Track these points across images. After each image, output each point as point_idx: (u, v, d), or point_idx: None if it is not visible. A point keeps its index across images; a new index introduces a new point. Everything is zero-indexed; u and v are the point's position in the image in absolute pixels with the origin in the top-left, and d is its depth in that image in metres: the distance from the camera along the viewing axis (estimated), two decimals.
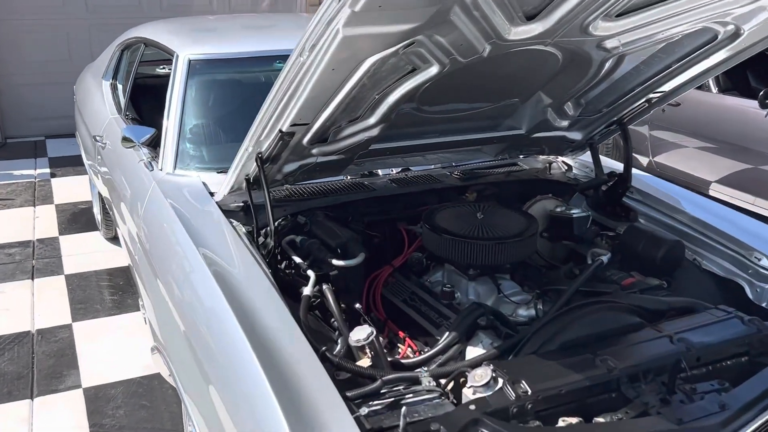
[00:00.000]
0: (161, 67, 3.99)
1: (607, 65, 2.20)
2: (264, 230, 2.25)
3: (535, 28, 1.81)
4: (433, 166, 2.86)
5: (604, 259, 2.35)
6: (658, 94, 2.45)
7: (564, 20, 1.79)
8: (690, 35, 2.07)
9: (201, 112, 2.89)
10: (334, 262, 2.17)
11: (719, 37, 2.07)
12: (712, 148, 4.73)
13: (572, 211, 2.57)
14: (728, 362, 1.90)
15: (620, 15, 1.86)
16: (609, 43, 2.02)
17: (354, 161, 2.44)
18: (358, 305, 2.16)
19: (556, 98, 2.43)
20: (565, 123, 2.61)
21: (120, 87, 3.88)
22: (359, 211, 2.54)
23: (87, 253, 4.30)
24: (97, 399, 2.94)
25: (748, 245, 2.36)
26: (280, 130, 1.99)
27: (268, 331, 1.74)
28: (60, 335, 3.42)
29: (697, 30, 2.03)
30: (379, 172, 2.77)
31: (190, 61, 2.90)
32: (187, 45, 3.01)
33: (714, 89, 4.82)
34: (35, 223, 4.74)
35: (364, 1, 1.34)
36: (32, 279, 3.95)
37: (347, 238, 2.25)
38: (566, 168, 3.04)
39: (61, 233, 4.59)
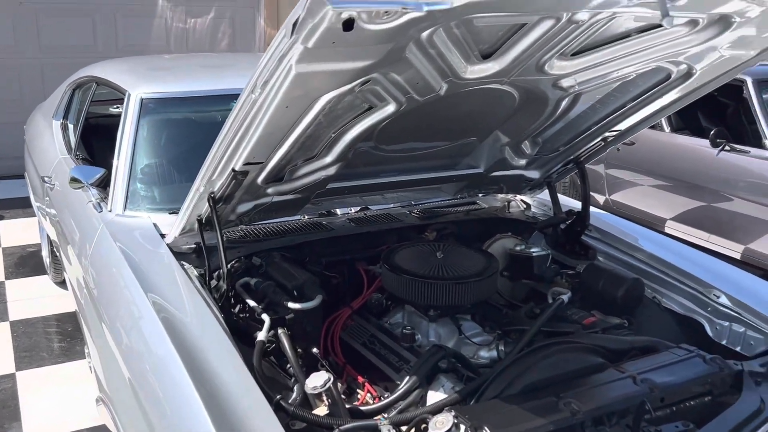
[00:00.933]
0: (114, 106, 3.91)
1: (564, 104, 2.20)
2: (216, 273, 2.17)
3: (492, 66, 1.80)
4: (392, 205, 2.82)
5: (565, 298, 2.31)
6: (614, 133, 2.46)
7: (519, 59, 1.78)
8: (644, 74, 2.08)
9: (153, 151, 2.81)
10: (290, 305, 2.09)
11: (672, 76, 2.10)
12: (667, 186, 4.80)
13: (532, 250, 2.55)
14: (692, 402, 1.87)
15: (575, 54, 1.87)
16: (565, 82, 2.02)
17: (311, 200, 2.39)
18: (315, 350, 2.09)
19: (514, 137, 2.42)
20: (522, 162, 2.61)
21: (71, 126, 3.78)
22: (317, 251, 2.47)
23: (34, 298, 4.13)
24: None
25: (706, 282, 2.36)
26: (233, 169, 1.93)
27: (220, 380, 1.66)
28: (2, 386, 3.25)
29: (651, 69, 2.05)
30: (338, 211, 2.72)
31: (142, 99, 2.83)
32: (139, 84, 2.94)
33: (667, 129, 4.92)
34: None
35: (316, 37, 1.30)
36: None
37: (304, 280, 2.19)
38: (525, 206, 3.03)
39: (7, 278, 4.41)
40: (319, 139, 1.96)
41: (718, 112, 5.08)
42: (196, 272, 2.19)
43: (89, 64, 3.96)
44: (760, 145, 4.27)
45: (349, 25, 1.27)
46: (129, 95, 2.86)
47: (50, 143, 3.76)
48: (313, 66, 1.43)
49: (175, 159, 2.84)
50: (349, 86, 1.60)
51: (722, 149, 4.38)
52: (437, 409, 1.71)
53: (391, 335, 2.18)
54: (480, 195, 2.96)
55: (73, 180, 2.74)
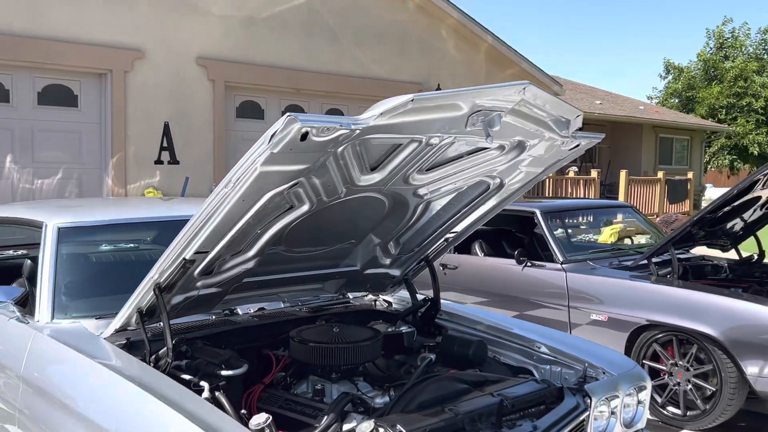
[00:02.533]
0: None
1: (419, 209, 3.02)
2: (160, 352, 2.61)
3: (375, 177, 2.57)
4: (282, 305, 3.42)
5: (432, 357, 3.03)
6: (453, 234, 3.32)
7: (393, 171, 2.58)
8: (472, 186, 2.97)
9: (71, 269, 3.21)
10: (224, 373, 2.59)
11: (490, 187, 3.01)
12: (486, 300, 5.78)
13: (401, 329, 3.26)
14: (532, 409, 2.60)
15: (429, 169, 2.71)
16: (421, 191, 2.85)
17: (227, 295, 2.93)
18: (243, 411, 2.57)
19: (383, 238, 3.18)
20: (388, 261, 3.36)
21: None
22: (230, 340, 2.99)
23: None
24: None
25: (530, 339, 3.19)
26: (184, 258, 2.48)
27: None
28: None
29: (476, 182, 2.95)
30: (239, 311, 3.27)
31: (59, 228, 3.27)
32: (53, 216, 3.37)
33: (481, 254, 5.98)
34: None
35: (282, 145, 1.99)
36: None
37: (229, 356, 2.70)
38: (387, 304, 3.76)
39: None
40: (247, 235, 2.58)
41: (518, 239, 6.29)
42: (135, 358, 2.62)
43: None
44: (552, 260, 5.41)
45: (304, 136, 1.99)
46: (46, 225, 3.29)
47: None
48: (271, 167, 2.10)
49: (91, 275, 3.27)
50: (286, 185, 2.28)
51: (525, 265, 5.47)
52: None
53: (302, 398, 2.71)
54: (351, 297, 3.66)
55: None
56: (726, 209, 5.24)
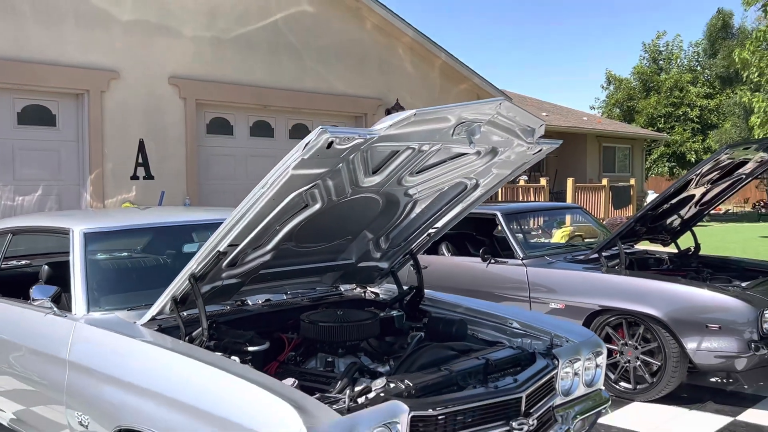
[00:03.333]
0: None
1: (407, 208, 3.52)
2: (189, 336, 3.04)
3: (376, 179, 3.07)
4: (285, 297, 3.87)
5: (421, 335, 3.53)
6: (435, 229, 3.83)
7: (391, 173, 3.08)
8: (452, 186, 3.49)
9: (98, 268, 3.62)
10: (250, 349, 3.04)
11: (468, 187, 3.53)
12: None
13: (392, 313, 3.75)
14: (511, 369, 3.11)
15: (419, 172, 3.21)
16: (411, 191, 3.35)
17: (244, 286, 3.38)
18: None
19: (375, 234, 3.67)
20: (378, 255, 3.86)
21: None
22: (245, 326, 3.43)
23: None
24: None
25: (503, 317, 3.72)
26: (218, 250, 2.93)
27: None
28: None
29: (456, 183, 3.47)
30: (249, 302, 3.71)
31: (84, 233, 3.67)
32: (79, 223, 3.76)
33: (448, 254, 6.52)
34: None
35: (312, 152, 2.47)
36: None
37: (252, 335, 3.16)
38: (375, 295, 4.24)
39: None
40: (269, 231, 3.03)
41: (479, 240, 6.85)
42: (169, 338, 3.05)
43: None
44: (513, 257, 5.98)
45: (330, 145, 2.47)
46: (72, 231, 3.68)
47: None
48: (300, 170, 2.58)
49: (116, 273, 3.68)
50: (307, 186, 2.75)
51: (490, 262, 6.03)
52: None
53: (315, 371, 3.17)
54: (343, 289, 4.13)
55: (34, 299, 3.43)
56: (665, 207, 5.89)
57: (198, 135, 9.21)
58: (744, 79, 14.93)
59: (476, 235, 7.07)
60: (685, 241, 6.52)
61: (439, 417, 2.61)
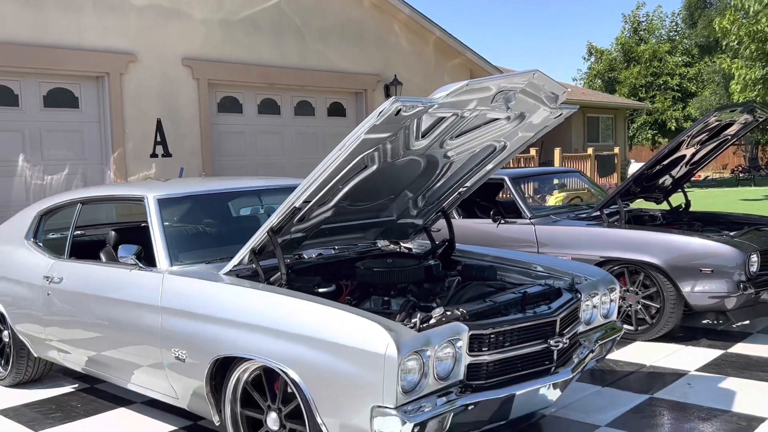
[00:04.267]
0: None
1: (444, 168, 4.02)
2: (267, 281, 3.54)
3: (424, 142, 3.56)
4: (332, 252, 4.38)
5: (458, 278, 4.06)
6: (465, 188, 4.34)
7: (436, 137, 3.57)
8: (483, 149, 3.99)
9: (173, 228, 4.10)
10: (320, 290, 3.55)
11: (496, 149, 4.04)
12: None
13: (429, 262, 4.27)
14: (544, 301, 3.65)
15: (457, 136, 3.71)
16: (449, 153, 3.85)
17: (306, 240, 3.88)
18: None
19: (414, 193, 4.17)
20: (415, 212, 4.37)
21: (51, 240, 4.80)
22: (307, 274, 3.94)
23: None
24: None
25: (527, 262, 4.25)
26: (294, 206, 3.42)
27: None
28: None
29: (487, 145, 3.97)
30: (305, 255, 4.21)
31: (158, 199, 4.14)
32: (150, 191, 4.23)
33: (459, 217, 7.04)
34: None
35: (383, 118, 2.95)
36: None
37: (320, 279, 3.67)
38: (409, 249, 4.76)
39: None
40: (334, 189, 3.52)
41: (487, 203, 7.39)
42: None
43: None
44: (521, 217, 6.52)
45: (398, 112, 2.96)
46: (147, 197, 4.15)
47: (33, 256, 4.72)
48: (370, 135, 3.06)
49: (188, 233, 4.17)
50: (372, 149, 3.24)
51: (500, 223, 6.57)
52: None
53: (372, 309, 3.69)
54: (380, 245, 4.64)
55: (121, 257, 3.91)
56: (658, 167, 6.45)
57: (210, 114, 9.63)
58: (723, 47, 15.53)
59: (480, 200, 7.60)
60: (677, 201, 7.09)
61: (491, 336, 3.15)
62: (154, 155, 8.91)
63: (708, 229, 6.22)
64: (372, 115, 2.99)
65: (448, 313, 3.19)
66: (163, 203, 4.16)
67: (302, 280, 3.69)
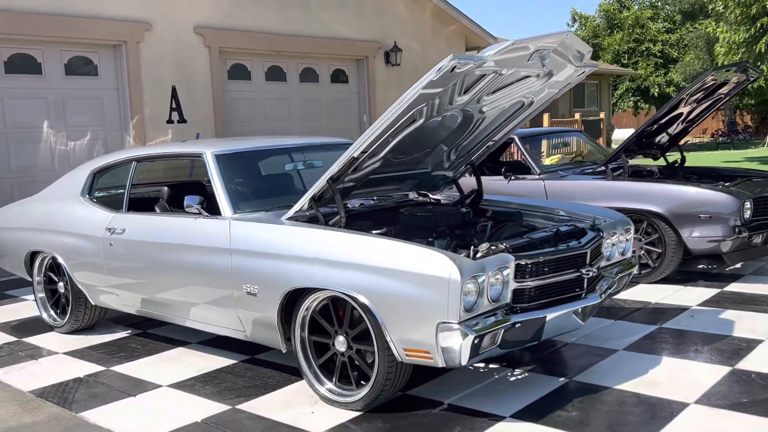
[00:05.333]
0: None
1: (477, 123, 4.44)
2: (334, 220, 3.97)
3: (465, 98, 3.97)
4: (372, 202, 4.80)
5: (490, 222, 4.52)
6: (493, 142, 4.77)
7: (475, 93, 3.99)
8: (513, 104, 4.42)
9: (232, 181, 4.50)
10: (374, 232, 3.99)
11: (524, 104, 4.47)
12: None
13: (461, 210, 4.72)
14: (572, 238, 4.12)
15: (493, 92, 4.13)
16: (484, 109, 4.27)
17: (355, 190, 4.29)
18: None
19: (449, 147, 4.60)
20: (447, 164, 4.80)
21: (106, 196, 5.18)
22: (356, 220, 4.37)
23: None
24: None
25: (550, 207, 4.71)
26: (353, 156, 3.83)
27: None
28: None
29: (516, 101, 4.40)
30: (349, 205, 4.63)
31: (215, 155, 4.53)
32: (207, 148, 4.62)
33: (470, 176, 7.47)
34: None
35: (440, 75, 3.36)
36: None
37: (372, 223, 4.11)
38: (437, 200, 5.20)
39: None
40: (382, 143, 3.93)
41: (497, 164, 7.84)
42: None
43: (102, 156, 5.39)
44: (530, 173, 6.98)
45: (453, 69, 3.37)
46: (205, 154, 4.54)
47: (91, 211, 5.11)
48: (426, 90, 3.47)
49: (245, 184, 4.58)
50: (424, 104, 3.65)
51: (510, 179, 7.02)
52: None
53: None
54: (411, 197, 5.08)
55: (188, 206, 4.31)
56: (656, 126, 6.92)
57: (221, 81, 9.94)
58: (709, 11, 16.00)
59: (487, 159, 8.04)
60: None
61: (532, 265, 3.61)
62: (170, 121, 9.23)
63: (704, 181, 6.73)
64: (431, 71, 3.40)
65: (493, 247, 3.64)
66: (220, 158, 4.55)
67: (354, 224, 4.12)
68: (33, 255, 5.65)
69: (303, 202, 4.05)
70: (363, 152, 3.85)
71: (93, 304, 5.28)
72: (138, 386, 4.25)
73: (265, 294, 3.91)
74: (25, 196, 7.22)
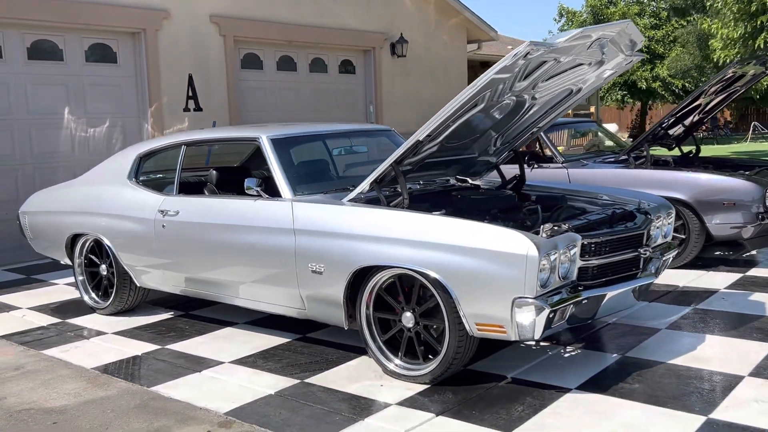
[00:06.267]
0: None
1: (527, 109, 4.58)
2: (394, 203, 4.10)
3: (523, 84, 4.10)
4: (418, 186, 4.93)
5: (538, 205, 4.67)
6: (538, 128, 4.92)
7: (533, 80, 4.13)
8: (562, 91, 4.56)
9: (290, 164, 4.61)
10: (434, 213, 4.12)
11: (572, 92, 4.62)
12: None
13: (510, 193, 4.87)
14: (624, 220, 4.28)
15: (548, 79, 4.27)
16: (537, 95, 4.41)
17: (412, 172, 4.42)
18: None
19: (497, 132, 4.74)
20: (492, 150, 4.94)
21: (146, 183, 5.28)
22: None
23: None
24: None
25: (594, 192, 4.87)
26: (418, 140, 3.95)
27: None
28: None
29: (565, 88, 4.54)
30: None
31: (271, 139, 4.63)
32: (262, 133, 4.71)
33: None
34: None
35: (513, 61, 3.50)
36: None
37: (428, 205, 4.24)
38: (476, 186, 5.33)
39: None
40: (444, 127, 4.06)
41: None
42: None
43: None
44: (553, 162, 7.15)
45: (526, 55, 3.51)
46: (261, 138, 4.64)
47: (140, 194, 5.18)
48: (498, 75, 3.60)
49: (302, 167, 4.69)
50: (491, 88, 3.79)
51: (533, 167, 7.19)
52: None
53: None
54: (453, 182, 5.22)
55: (248, 187, 4.40)
56: (675, 118, 7.13)
57: (235, 70, 9.99)
58: (708, 8, 16.30)
59: None
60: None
61: (595, 244, 3.77)
62: (186, 109, 9.27)
63: (723, 170, 6.95)
64: (506, 56, 3.54)
65: (556, 227, 3.79)
66: (276, 142, 4.65)
67: (412, 206, 4.24)
68: (74, 238, 5.70)
69: (365, 184, 4.16)
70: (427, 136, 3.97)
71: (138, 285, 5.36)
72: (200, 363, 4.36)
73: (332, 273, 4.03)
74: (47, 182, 7.28)
